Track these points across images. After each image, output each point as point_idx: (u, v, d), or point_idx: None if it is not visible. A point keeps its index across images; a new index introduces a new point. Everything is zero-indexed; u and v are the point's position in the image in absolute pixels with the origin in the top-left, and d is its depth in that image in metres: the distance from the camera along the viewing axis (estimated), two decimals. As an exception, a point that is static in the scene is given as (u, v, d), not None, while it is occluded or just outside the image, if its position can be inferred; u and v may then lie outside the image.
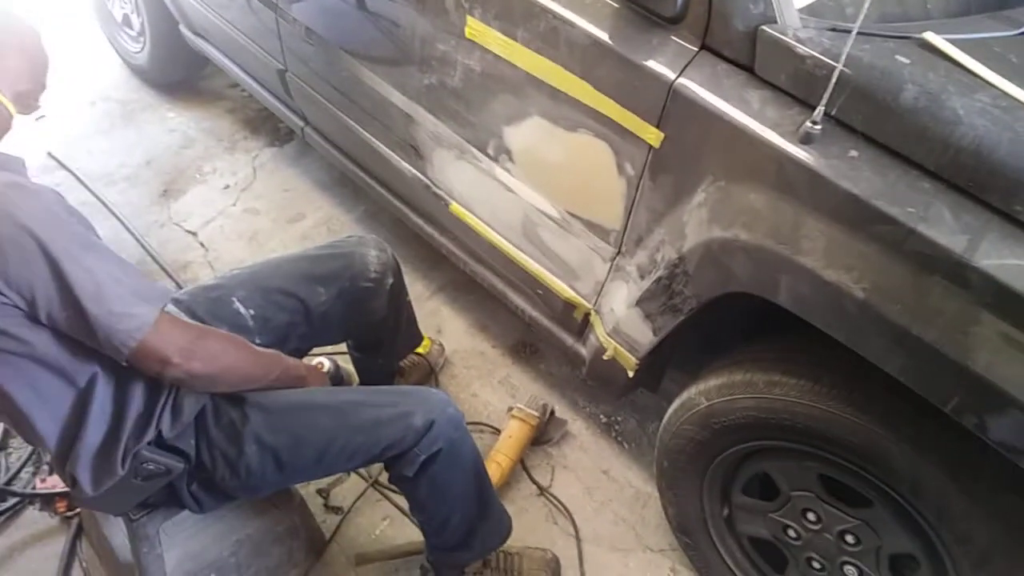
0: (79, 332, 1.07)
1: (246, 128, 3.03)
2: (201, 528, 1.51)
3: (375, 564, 1.71)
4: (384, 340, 1.82)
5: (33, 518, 1.77)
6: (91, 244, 1.07)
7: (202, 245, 2.50)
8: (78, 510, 1.73)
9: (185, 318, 1.25)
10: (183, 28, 2.71)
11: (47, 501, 1.76)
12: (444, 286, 2.40)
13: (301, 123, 2.35)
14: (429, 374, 2.09)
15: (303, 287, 1.56)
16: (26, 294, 1.02)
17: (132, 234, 2.48)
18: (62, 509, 1.75)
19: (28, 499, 1.78)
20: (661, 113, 1.24)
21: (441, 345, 2.18)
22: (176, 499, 1.33)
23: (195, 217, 2.61)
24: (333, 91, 2.07)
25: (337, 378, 1.93)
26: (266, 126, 3.02)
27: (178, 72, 3.09)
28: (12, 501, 1.78)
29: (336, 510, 1.82)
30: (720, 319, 1.46)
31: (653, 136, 1.27)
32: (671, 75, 1.21)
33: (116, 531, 1.53)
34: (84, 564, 1.70)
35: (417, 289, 2.36)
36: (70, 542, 1.71)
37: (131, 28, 3.01)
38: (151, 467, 1.23)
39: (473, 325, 2.29)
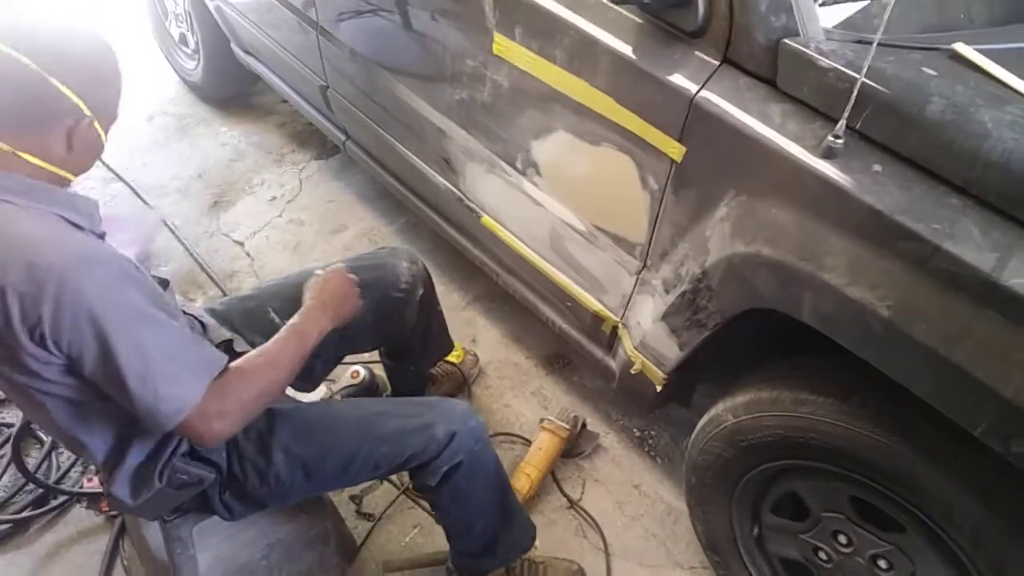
0: (121, 401, 1.07)
1: (294, 142, 3.12)
2: (234, 532, 1.55)
3: (403, 572, 1.73)
4: (414, 348, 1.85)
5: (80, 516, 1.85)
6: (148, 316, 1.05)
7: (248, 255, 2.58)
8: (119, 511, 1.80)
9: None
10: (234, 46, 2.81)
11: (93, 500, 1.84)
12: (480, 297, 2.42)
13: (343, 137, 2.41)
14: (462, 384, 2.11)
15: None
16: (75, 359, 1.03)
17: (182, 244, 2.58)
18: (106, 508, 1.82)
19: (76, 497, 1.86)
20: (683, 127, 1.23)
21: (475, 355, 2.19)
22: (208, 506, 1.37)
23: (243, 228, 2.70)
24: (371, 106, 2.12)
25: (372, 385, 1.97)
26: (313, 140, 3.10)
27: (230, 88, 3.20)
28: (61, 499, 1.87)
29: (368, 517, 1.85)
30: (752, 335, 1.44)
31: (675, 150, 1.26)
32: (692, 89, 1.21)
33: (153, 532, 1.57)
34: (125, 562, 1.77)
35: (453, 299, 2.39)
36: (113, 540, 1.78)
37: (187, 46, 3.14)
38: (184, 477, 1.27)
39: (508, 336, 2.30)
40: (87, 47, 1.06)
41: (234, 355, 1.38)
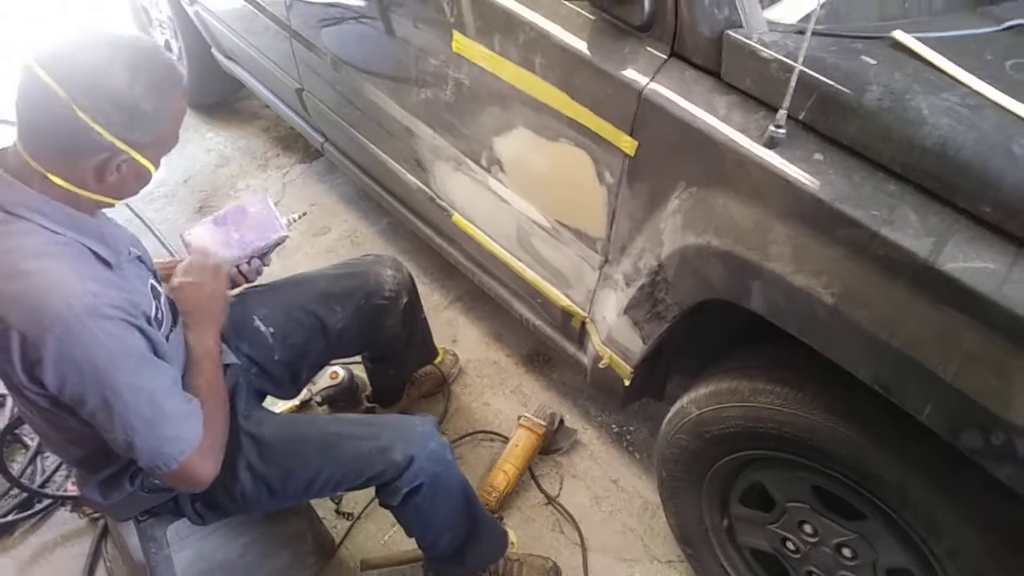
0: (119, 441, 1.07)
1: (278, 146, 3.14)
2: (210, 531, 1.57)
3: (380, 570, 1.74)
4: (396, 354, 1.88)
5: (64, 519, 1.88)
6: (149, 363, 1.06)
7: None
8: (101, 513, 1.82)
9: None
10: (215, 52, 2.83)
11: (77, 503, 1.87)
12: (461, 296, 2.43)
13: (321, 139, 2.43)
14: (441, 383, 2.12)
15: (321, 306, 1.61)
16: (75, 402, 1.04)
17: (167, 249, 2.60)
18: (89, 512, 1.85)
19: (60, 501, 1.88)
20: (633, 121, 1.24)
21: (455, 355, 2.21)
22: (179, 510, 1.39)
23: (227, 233, 2.71)
24: (344, 107, 2.13)
25: (351, 386, 1.99)
26: (297, 144, 3.12)
27: (215, 94, 3.23)
28: (45, 503, 1.89)
29: (347, 516, 1.87)
30: (721, 326, 1.45)
31: (627, 144, 1.27)
32: (641, 83, 1.22)
33: (131, 533, 1.60)
34: (108, 564, 1.79)
35: (434, 299, 2.40)
36: (95, 542, 1.81)
37: (171, 53, 3.16)
38: (157, 482, 1.28)
39: (488, 334, 2.32)
40: (124, 85, 0.98)
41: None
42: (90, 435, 1.15)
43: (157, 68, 1.03)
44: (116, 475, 1.27)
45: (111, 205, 1.12)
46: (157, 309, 1.18)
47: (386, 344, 1.80)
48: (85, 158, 1.01)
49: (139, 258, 1.21)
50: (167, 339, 1.20)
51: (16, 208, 1.02)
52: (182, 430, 1.09)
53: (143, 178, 1.10)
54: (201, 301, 1.30)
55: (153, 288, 1.20)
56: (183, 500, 1.36)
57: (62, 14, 3.67)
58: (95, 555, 1.80)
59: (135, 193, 1.13)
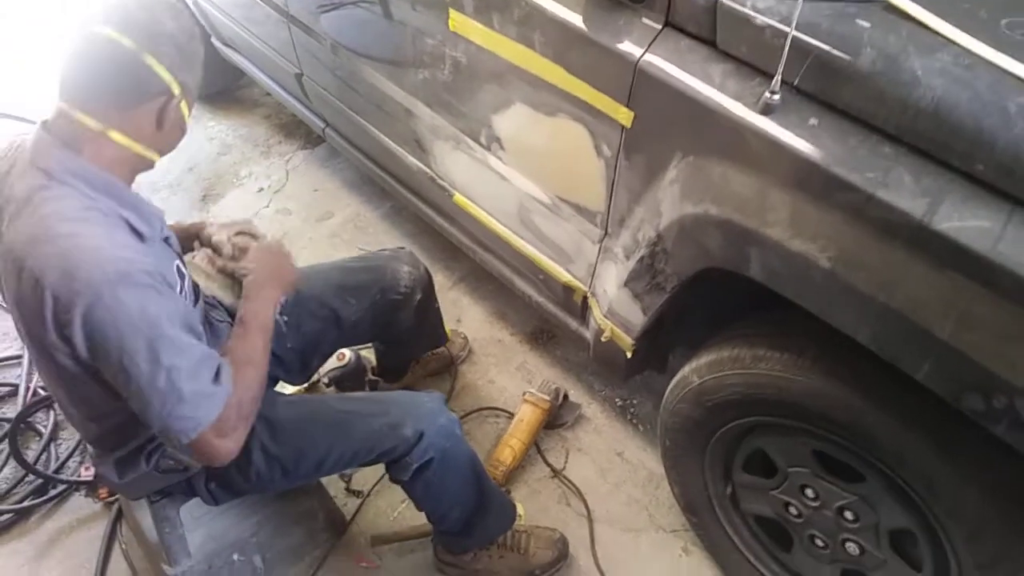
0: (135, 410, 1.10)
1: (280, 133, 3.15)
2: (223, 509, 1.60)
3: (391, 545, 1.77)
4: (408, 341, 1.91)
5: (79, 504, 1.91)
6: (173, 339, 1.06)
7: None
8: (117, 496, 1.85)
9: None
10: (215, 40, 2.84)
11: (91, 488, 1.89)
12: (465, 276, 2.44)
13: (322, 124, 2.44)
14: (448, 364, 2.14)
15: (336, 298, 1.64)
16: (99, 365, 1.06)
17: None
18: (104, 495, 1.87)
19: (74, 486, 1.91)
20: (630, 92, 1.25)
21: (465, 337, 2.23)
22: (193, 491, 1.41)
23: (231, 220, 2.73)
24: (343, 91, 2.14)
25: (358, 367, 2.01)
26: (299, 131, 3.13)
27: (216, 82, 3.23)
28: (60, 488, 1.93)
29: (357, 493, 1.89)
30: (718, 296, 1.46)
31: (624, 116, 1.28)
32: (636, 54, 1.22)
33: (145, 514, 1.62)
34: (124, 546, 1.82)
35: (438, 280, 2.41)
36: (110, 525, 1.84)
37: (171, 43, 3.16)
38: (171, 462, 1.31)
39: (492, 313, 2.33)
40: (177, 25, 1.08)
41: None
42: (109, 412, 1.18)
43: (189, 16, 1.13)
44: (132, 454, 1.29)
45: (152, 164, 1.16)
46: (181, 289, 1.20)
47: (398, 335, 1.83)
48: (148, 104, 1.07)
49: (166, 239, 1.23)
50: None
51: (60, 173, 1.05)
52: (196, 411, 1.09)
53: (182, 127, 1.16)
54: (276, 269, 1.36)
55: (178, 269, 1.22)
56: (196, 481, 1.38)
57: (62, 13, 3.67)
58: (110, 537, 1.83)
59: (174, 146, 1.18)
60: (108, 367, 1.05)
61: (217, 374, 1.13)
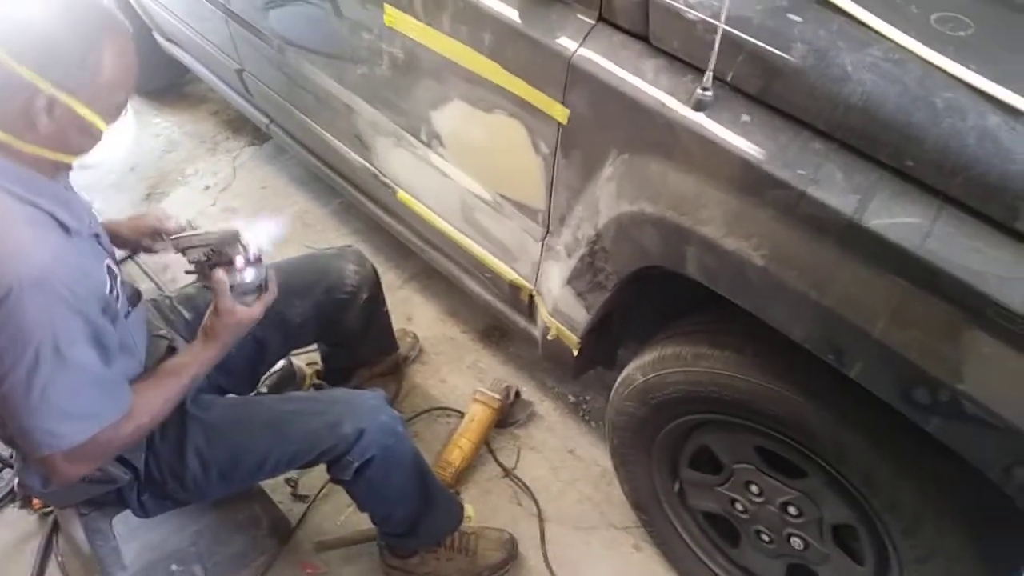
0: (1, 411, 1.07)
1: (228, 129, 3.07)
2: (159, 520, 1.54)
3: (336, 551, 1.74)
4: (353, 344, 1.86)
5: (13, 516, 1.84)
6: (67, 356, 1.02)
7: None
8: (52, 508, 1.79)
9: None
10: (156, 35, 2.75)
11: (26, 499, 1.83)
12: (416, 274, 2.41)
13: (266, 120, 2.38)
14: (395, 367, 2.10)
15: (280, 300, 1.57)
16: None
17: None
18: (38, 506, 1.81)
19: (8, 497, 1.85)
20: (564, 89, 1.23)
21: (415, 336, 2.19)
22: (124, 502, 1.36)
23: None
24: (284, 86, 2.09)
25: (292, 373, 1.96)
26: (247, 127, 3.05)
27: (159, 78, 3.13)
28: (-7, 499, 1.86)
29: (303, 498, 1.85)
30: (663, 294, 1.45)
31: (560, 112, 1.25)
32: (570, 49, 1.20)
33: (76, 526, 1.57)
34: (60, 559, 1.76)
35: (389, 278, 2.37)
36: (46, 538, 1.78)
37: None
38: (97, 473, 1.25)
39: (444, 312, 2.30)
40: (46, 24, 0.98)
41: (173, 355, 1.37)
42: None
43: (88, 13, 1.02)
44: None
45: (67, 165, 1.10)
46: (112, 289, 1.15)
47: (343, 336, 1.79)
48: (9, 99, 0.99)
49: (96, 236, 1.18)
50: (125, 317, 1.19)
51: None
52: (60, 428, 1.05)
53: (88, 132, 1.06)
54: (239, 329, 1.27)
55: (109, 269, 1.17)
56: (127, 492, 1.33)
57: None
58: (46, 550, 1.77)
59: (85, 149, 1.10)
60: None
61: (110, 400, 1.10)
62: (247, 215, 2.61)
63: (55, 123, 1.02)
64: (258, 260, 1.28)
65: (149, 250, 1.48)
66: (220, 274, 1.23)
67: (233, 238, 1.25)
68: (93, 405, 1.08)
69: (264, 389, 1.95)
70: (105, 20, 1.04)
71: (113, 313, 1.14)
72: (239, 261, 1.25)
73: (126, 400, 1.13)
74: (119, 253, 1.35)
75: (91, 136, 1.08)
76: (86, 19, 1.02)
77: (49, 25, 0.99)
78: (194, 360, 1.25)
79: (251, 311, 1.26)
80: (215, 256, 1.27)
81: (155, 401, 1.19)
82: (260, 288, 1.30)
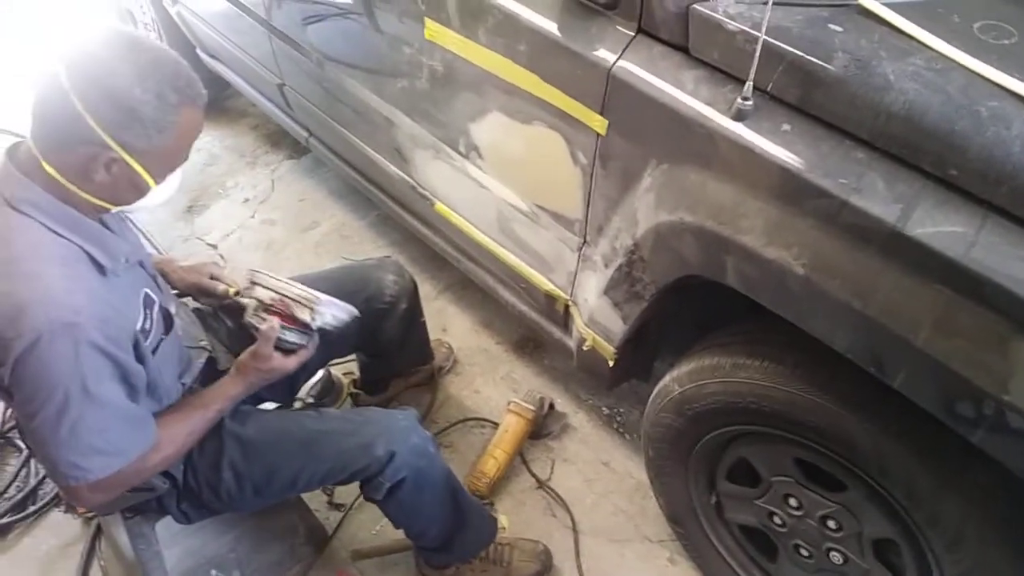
0: (29, 438, 1.10)
1: (267, 143, 3.14)
2: (198, 526, 1.57)
3: (372, 559, 1.75)
4: (391, 354, 1.88)
5: (58, 520, 1.89)
6: (95, 395, 1.05)
7: (222, 257, 2.61)
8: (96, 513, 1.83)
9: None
10: (199, 51, 2.83)
11: (70, 504, 1.87)
12: (451, 285, 2.43)
13: (305, 134, 2.43)
14: (430, 377, 2.11)
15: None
16: (15, 396, 1.05)
17: (157, 250, 2.60)
18: (83, 511, 1.85)
19: (53, 501, 1.90)
20: (603, 100, 1.24)
21: (449, 346, 2.21)
22: (165, 509, 1.39)
23: (216, 231, 2.73)
24: (325, 100, 2.13)
25: (328, 383, 1.99)
26: (286, 140, 3.12)
27: (202, 93, 3.21)
28: (39, 504, 1.90)
29: (339, 507, 1.87)
30: (701, 304, 1.45)
31: (599, 123, 1.27)
32: (609, 61, 1.21)
33: (120, 530, 1.60)
34: (103, 563, 1.80)
35: (424, 290, 2.38)
36: (89, 542, 1.82)
37: (156, 54, 3.15)
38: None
39: (478, 323, 2.32)
40: (127, 85, 0.98)
41: (215, 371, 1.42)
42: None
43: (170, 79, 1.02)
44: None
45: (106, 210, 1.12)
46: (146, 319, 1.18)
47: (381, 346, 1.81)
48: (75, 147, 1.01)
49: (140, 263, 1.22)
50: (155, 350, 1.21)
51: (19, 203, 1.03)
52: (87, 462, 1.08)
53: (138, 187, 1.08)
54: (270, 375, 1.32)
55: (146, 297, 1.20)
56: (168, 499, 1.36)
57: (67, 27, 3.65)
58: (89, 554, 1.81)
59: (129, 203, 1.12)
60: (20, 399, 1.04)
61: (136, 436, 1.13)
62: (288, 229, 2.68)
63: (111, 178, 1.04)
64: (307, 331, 1.34)
65: (195, 300, 1.52)
66: (275, 322, 1.29)
67: (309, 302, 1.31)
68: (120, 440, 1.11)
69: (306, 398, 1.98)
70: (187, 93, 1.05)
71: (142, 352, 1.16)
72: (301, 320, 1.31)
73: (151, 434, 1.16)
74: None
75: (139, 192, 1.10)
76: (170, 88, 1.02)
77: (133, 89, 0.99)
78: (221, 396, 1.29)
79: (285, 363, 1.32)
80: (280, 305, 1.32)
81: (180, 434, 1.23)
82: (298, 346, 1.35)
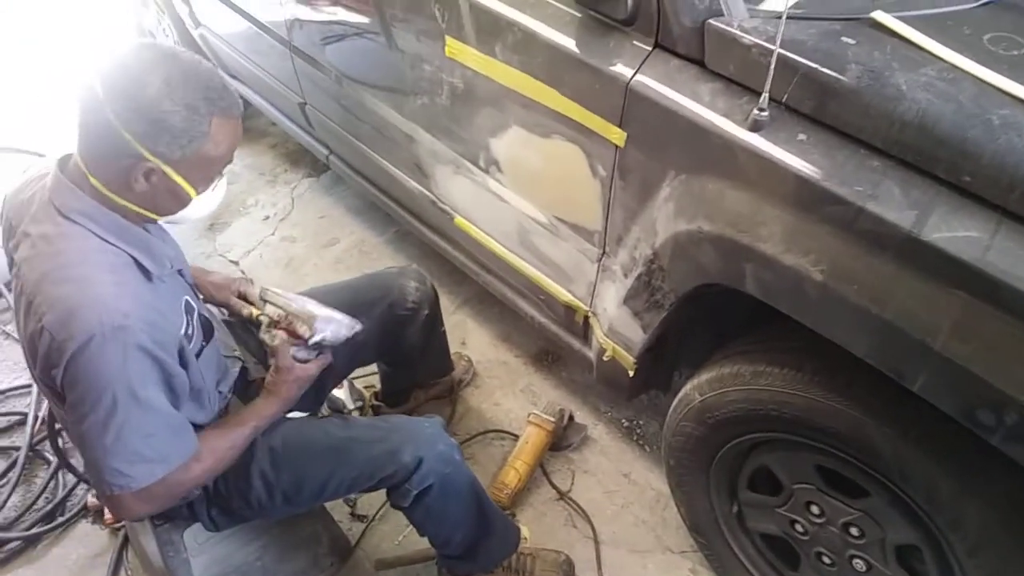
0: (76, 444, 1.14)
1: (287, 161, 3.20)
2: (228, 534, 1.60)
3: (395, 569, 1.76)
4: (412, 363, 1.92)
5: (85, 530, 1.92)
6: (142, 399, 1.08)
7: (243, 273, 2.65)
8: (123, 523, 1.86)
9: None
10: (221, 73, 2.89)
11: (98, 514, 1.91)
12: (469, 299, 2.46)
13: (325, 152, 2.48)
14: (450, 389, 2.14)
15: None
16: (67, 404, 1.09)
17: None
18: (110, 521, 1.89)
19: (81, 512, 1.93)
20: (622, 113, 1.27)
21: (469, 359, 2.23)
22: (195, 516, 1.42)
23: (238, 248, 2.78)
24: (346, 118, 2.18)
25: (357, 393, 2.02)
26: (305, 159, 3.17)
27: (223, 114, 3.28)
28: (68, 515, 1.94)
29: (361, 518, 1.89)
30: (720, 313, 1.47)
31: (617, 136, 1.29)
32: (627, 75, 1.24)
33: (150, 538, 1.63)
34: (129, 572, 1.83)
35: (443, 303, 2.40)
36: (117, 551, 1.85)
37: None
38: None
39: (497, 336, 2.34)
40: (156, 97, 1.01)
41: (246, 383, 1.46)
42: None
43: (201, 90, 1.05)
44: None
45: (152, 220, 1.16)
46: (188, 325, 1.22)
47: (403, 353, 1.84)
48: (115, 159, 1.05)
49: (180, 272, 1.26)
50: (198, 355, 1.25)
51: (70, 212, 1.09)
52: (132, 469, 1.10)
53: (178, 196, 1.12)
54: (298, 384, 1.38)
55: (187, 304, 1.25)
56: (198, 506, 1.39)
57: (92, 40, 3.74)
58: (117, 564, 1.84)
59: (172, 212, 1.16)
60: (71, 401, 1.08)
61: (178, 444, 1.16)
62: (308, 245, 2.72)
63: (151, 187, 1.08)
64: (310, 346, 1.40)
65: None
66: (283, 335, 1.37)
67: (309, 318, 1.39)
68: (164, 448, 1.14)
69: (352, 407, 2.01)
70: (218, 101, 1.07)
71: (186, 357, 1.20)
72: (301, 335, 1.38)
73: (192, 443, 1.19)
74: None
75: (180, 201, 1.14)
76: (201, 100, 1.05)
77: (163, 101, 1.01)
78: (257, 414, 1.34)
79: (307, 368, 1.38)
80: (284, 321, 1.39)
81: (222, 447, 1.27)
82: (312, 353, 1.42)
